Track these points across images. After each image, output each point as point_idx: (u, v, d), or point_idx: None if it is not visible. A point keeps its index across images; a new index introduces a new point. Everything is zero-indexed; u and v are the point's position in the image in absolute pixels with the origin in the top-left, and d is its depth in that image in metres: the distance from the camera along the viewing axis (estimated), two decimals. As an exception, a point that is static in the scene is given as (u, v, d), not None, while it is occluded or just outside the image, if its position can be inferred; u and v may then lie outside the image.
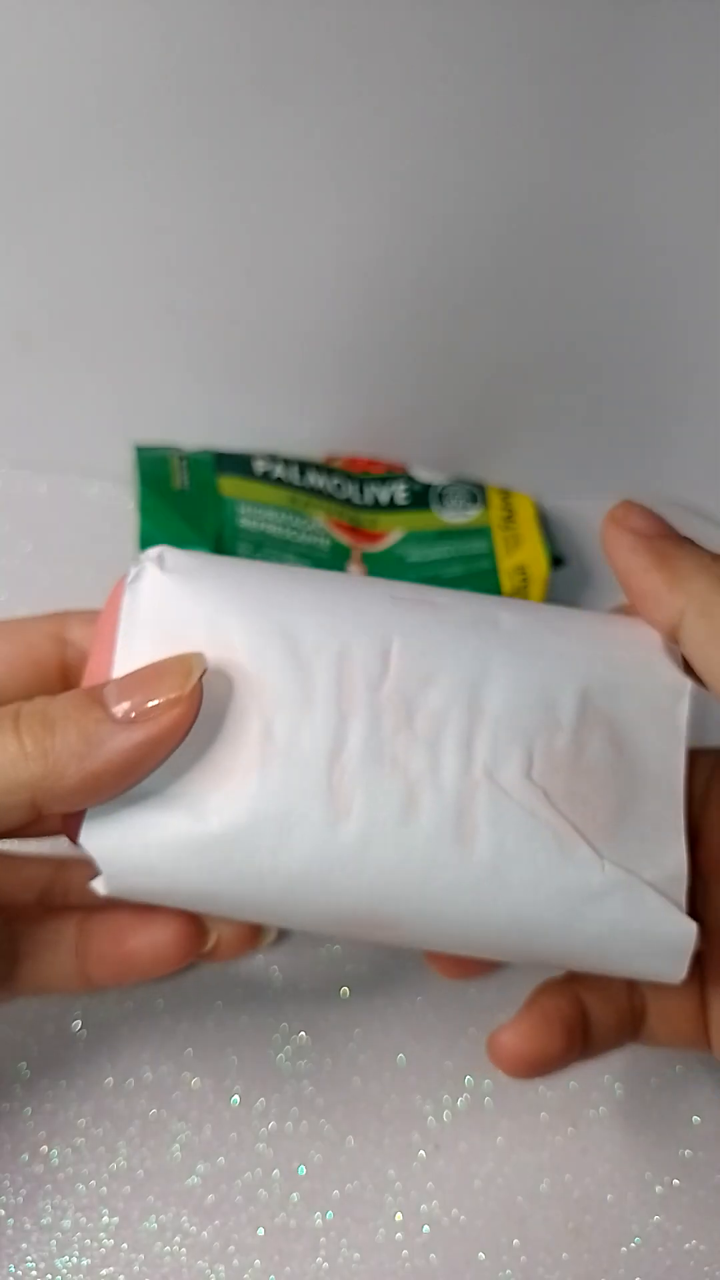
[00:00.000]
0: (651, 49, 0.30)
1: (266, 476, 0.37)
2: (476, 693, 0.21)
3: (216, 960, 0.27)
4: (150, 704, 0.19)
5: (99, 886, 0.21)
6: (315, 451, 0.39)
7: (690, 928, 0.21)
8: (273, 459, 0.37)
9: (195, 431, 0.38)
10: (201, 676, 0.20)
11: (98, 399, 0.37)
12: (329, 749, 0.21)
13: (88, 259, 0.34)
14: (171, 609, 0.21)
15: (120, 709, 0.19)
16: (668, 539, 0.22)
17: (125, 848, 0.21)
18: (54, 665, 0.24)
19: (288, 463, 0.37)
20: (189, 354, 0.37)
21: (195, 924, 0.25)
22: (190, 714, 0.20)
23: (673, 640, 0.22)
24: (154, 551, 0.22)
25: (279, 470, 0.37)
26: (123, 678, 0.20)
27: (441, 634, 0.22)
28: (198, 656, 0.20)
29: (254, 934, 0.26)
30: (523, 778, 0.21)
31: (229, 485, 0.36)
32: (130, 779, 0.20)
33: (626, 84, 0.31)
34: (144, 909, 0.25)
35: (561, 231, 0.34)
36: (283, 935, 0.30)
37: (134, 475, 0.37)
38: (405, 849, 0.20)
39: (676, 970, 0.22)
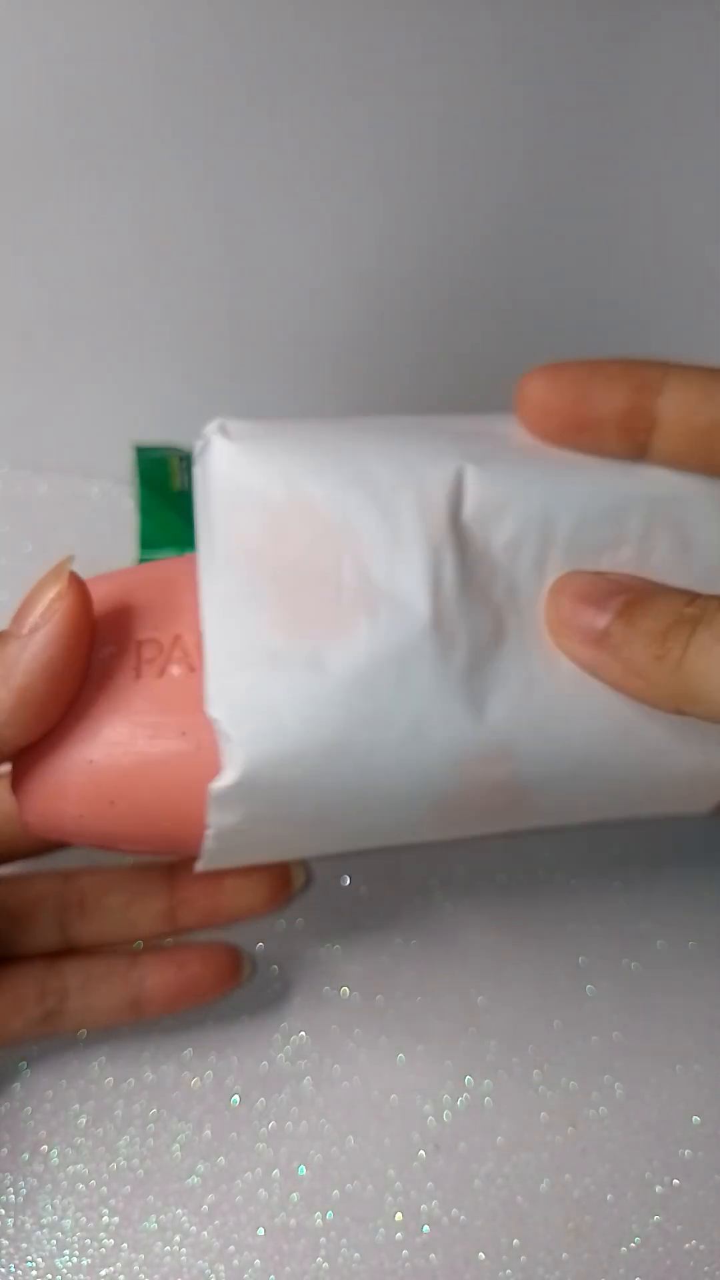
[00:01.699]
0: (650, 45, 0.30)
1: (267, 476, 0.37)
2: (548, 516, 0.22)
3: (255, 915, 0.27)
4: (39, 611, 0.21)
5: (233, 766, 0.20)
6: (315, 451, 0.38)
7: None
8: (273, 459, 0.37)
9: (195, 432, 0.38)
10: (69, 566, 0.21)
11: (98, 399, 0.38)
12: (430, 584, 0.21)
13: (89, 259, 0.34)
14: (243, 477, 0.22)
15: (25, 629, 0.21)
16: None
17: (252, 709, 0.21)
18: None
19: (288, 463, 0.37)
20: (189, 354, 0.37)
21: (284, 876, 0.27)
22: (77, 602, 0.21)
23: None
24: (215, 424, 0.23)
25: (279, 470, 0.37)
26: (17, 610, 0.21)
27: (510, 460, 0.22)
28: (64, 557, 0.21)
29: (285, 882, 0.27)
30: None
31: (229, 485, 0.36)
32: (62, 682, 0.21)
33: (624, 79, 0.31)
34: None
35: (560, 228, 0.34)
36: (307, 883, 0.29)
37: (134, 475, 0.37)
38: (503, 673, 0.21)
39: None
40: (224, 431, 0.22)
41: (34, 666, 0.20)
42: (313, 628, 0.21)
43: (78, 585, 0.21)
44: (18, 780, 0.22)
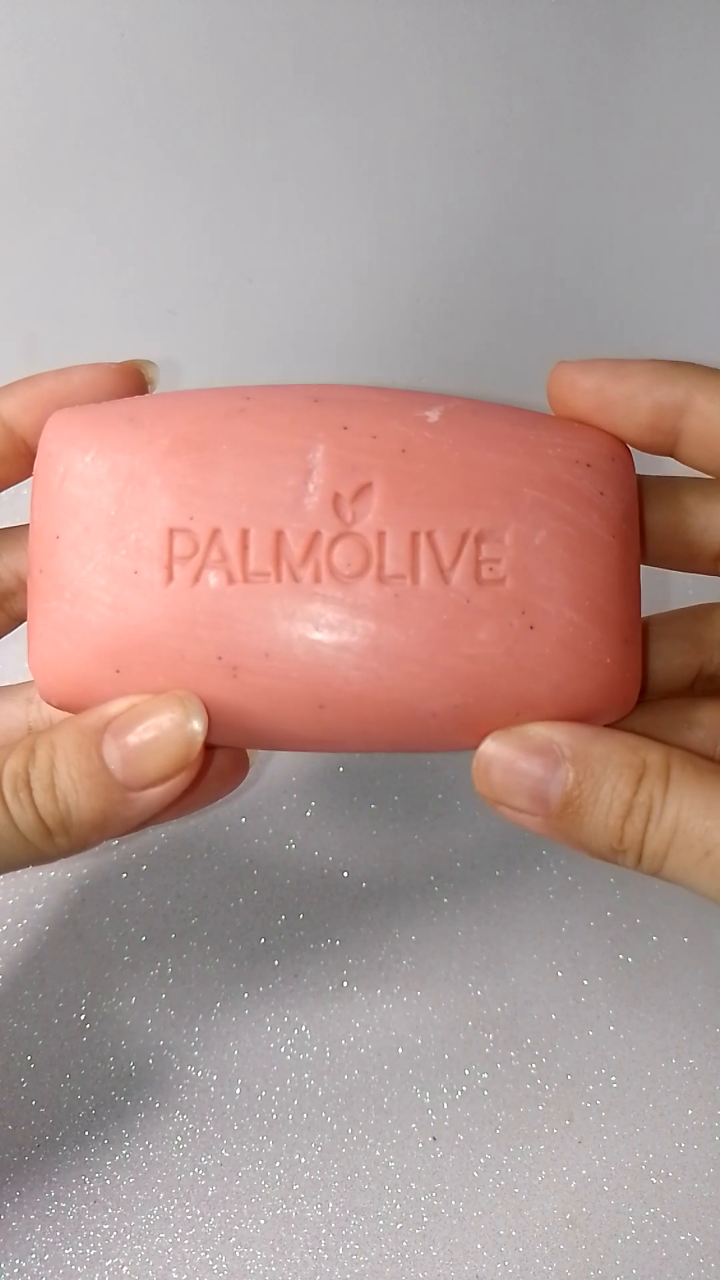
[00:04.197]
0: (646, 53, 0.31)
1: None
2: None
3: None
4: (156, 764, 0.19)
5: None
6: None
7: None
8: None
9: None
10: (205, 736, 0.19)
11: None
12: None
13: (92, 263, 0.35)
14: None
15: (115, 760, 0.19)
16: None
17: None
18: None
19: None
20: (190, 357, 0.37)
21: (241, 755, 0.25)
22: (191, 777, 0.20)
23: (661, 435, 0.21)
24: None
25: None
26: (118, 721, 0.19)
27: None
28: (194, 708, 0.19)
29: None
30: None
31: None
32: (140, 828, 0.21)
33: (621, 84, 0.31)
34: None
35: (560, 232, 0.35)
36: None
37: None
38: None
39: None
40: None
41: (129, 826, 0.20)
42: None
43: (199, 763, 0.20)
44: (43, 684, 0.21)
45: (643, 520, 0.24)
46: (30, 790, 0.19)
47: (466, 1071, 0.29)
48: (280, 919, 0.31)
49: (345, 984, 0.30)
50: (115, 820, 0.20)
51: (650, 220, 0.34)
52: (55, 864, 0.32)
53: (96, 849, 0.30)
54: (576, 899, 0.32)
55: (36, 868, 0.31)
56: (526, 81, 0.31)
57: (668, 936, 0.31)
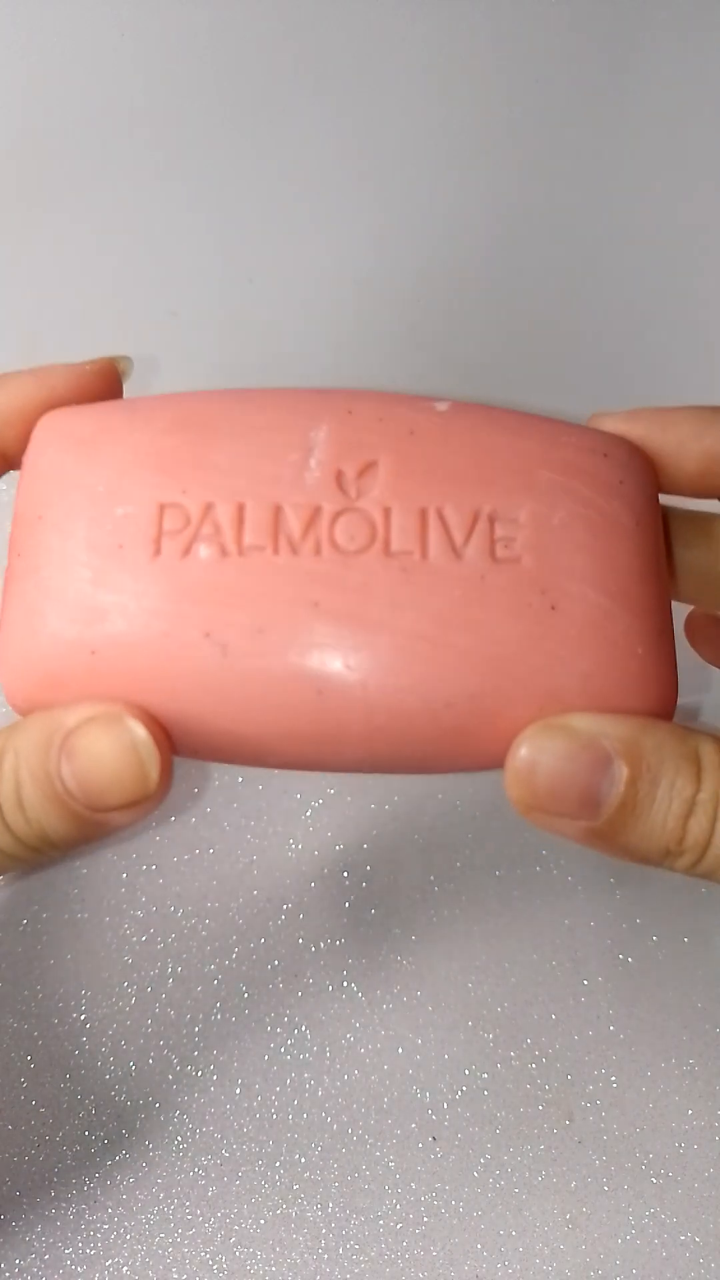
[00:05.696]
0: (646, 54, 0.31)
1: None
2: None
3: None
4: (120, 799, 0.18)
5: None
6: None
7: None
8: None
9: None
10: (165, 768, 0.18)
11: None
12: None
13: (93, 263, 0.35)
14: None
15: (74, 787, 0.18)
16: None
17: None
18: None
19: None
20: (191, 358, 0.37)
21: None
22: (161, 798, 0.18)
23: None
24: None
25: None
26: (69, 744, 0.18)
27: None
28: (139, 735, 0.18)
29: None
30: None
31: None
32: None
33: (622, 86, 0.32)
34: None
35: (560, 232, 0.35)
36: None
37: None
38: None
39: None
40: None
41: (112, 833, 0.19)
42: None
43: (167, 783, 0.18)
44: (10, 678, 0.19)
45: (671, 557, 0.23)
46: (2, 812, 0.18)
47: (466, 1071, 0.29)
48: (280, 919, 0.31)
49: (345, 984, 0.30)
50: (94, 835, 0.19)
51: (650, 219, 0.34)
52: (55, 865, 0.32)
53: (96, 847, 0.30)
54: (576, 899, 0.32)
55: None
56: (526, 82, 0.31)
57: (668, 936, 0.31)
